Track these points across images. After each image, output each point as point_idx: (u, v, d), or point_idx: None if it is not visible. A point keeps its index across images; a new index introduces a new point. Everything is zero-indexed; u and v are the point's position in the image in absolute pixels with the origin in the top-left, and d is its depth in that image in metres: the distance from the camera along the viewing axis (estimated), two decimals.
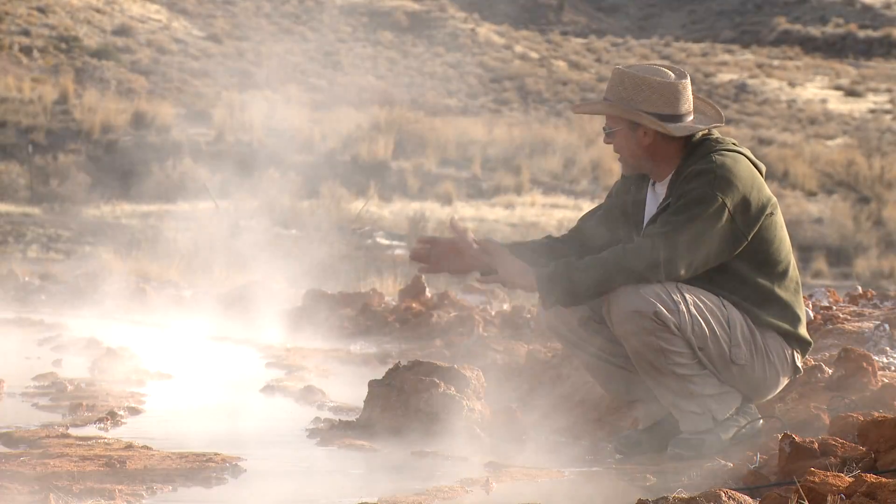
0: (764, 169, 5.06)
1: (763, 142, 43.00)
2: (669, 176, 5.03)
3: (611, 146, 5.11)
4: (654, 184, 5.12)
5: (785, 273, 5.02)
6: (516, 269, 5.00)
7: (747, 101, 53.19)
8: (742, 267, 4.96)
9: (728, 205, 4.85)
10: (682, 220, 4.83)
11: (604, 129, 5.10)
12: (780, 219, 5.02)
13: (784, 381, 5.11)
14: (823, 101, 53.52)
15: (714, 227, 4.84)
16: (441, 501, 4.24)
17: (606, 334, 5.14)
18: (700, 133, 5.02)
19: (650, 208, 5.10)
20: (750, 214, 4.90)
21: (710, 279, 4.95)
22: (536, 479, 4.69)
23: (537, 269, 4.95)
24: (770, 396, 5.14)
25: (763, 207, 4.92)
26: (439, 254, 5.21)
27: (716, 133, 5.06)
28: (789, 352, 5.06)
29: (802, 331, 5.07)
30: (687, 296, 4.89)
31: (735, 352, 4.95)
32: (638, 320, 4.84)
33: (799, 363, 5.11)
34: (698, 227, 4.82)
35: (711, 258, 4.89)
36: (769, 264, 4.99)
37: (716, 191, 4.85)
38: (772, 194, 5.00)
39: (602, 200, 5.41)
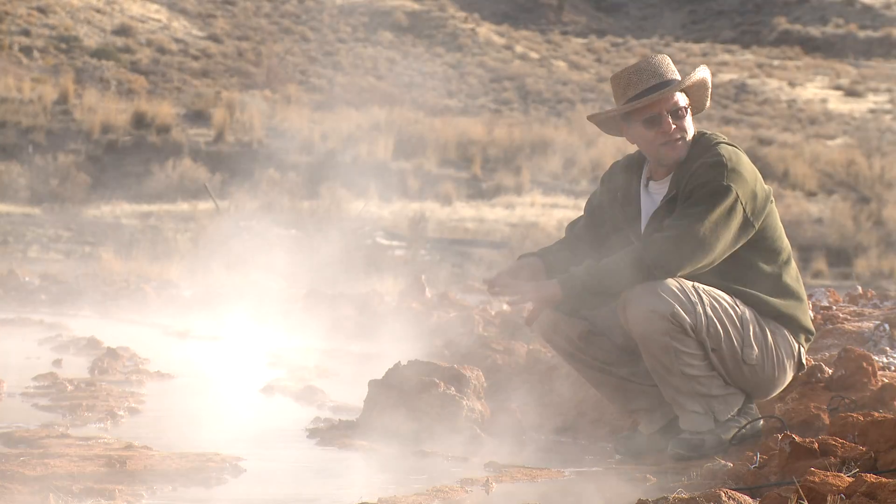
0: None
1: (763, 142, 42.99)
2: (670, 172, 5.04)
3: (652, 139, 5.05)
4: (646, 184, 5.12)
5: (788, 261, 5.08)
6: (539, 288, 4.95)
7: (747, 101, 53.19)
8: (750, 255, 4.99)
9: (740, 196, 4.89)
10: (701, 213, 4.84)
11: (676, 111, 4.99)
12: (775, 208, 5.09)
13: (790, 378, 5.14)
14: (823, 101, 53.52)
15: (730, 219, 4.87)
16: (441, 501, 4.24)
17: (607, 346, 5.14)
18: (695, 130, 5.08)
19: (647, 208, 5.09)
20: (757, 205, 4.95)
21: (718, 269, 4.96)
22: (536, 479, 4.69)
23: (558, 276, 4.92)
24: (775, 394, 5.16)
25: (767, 197, 5.00)
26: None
27: (706, 131, 5.11)
28: (796, 347, 5.08)
29: (806, 319, 5.10)
30: (703, 296, 4.89)
31: (747, 352, 4.96)
32: (654, 320, 4.83)
33: (803, 358, 5.14)
34: (716, 220, 4.85)
35: (726, 249, 4.92)
36: (774, 252, 5.03)
37: (730, 182, 4.88)
38: (768, 185, 5.06)
39: None
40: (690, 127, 5.04)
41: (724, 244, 4.90)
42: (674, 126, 5.00)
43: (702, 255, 4.86)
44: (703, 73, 5.07)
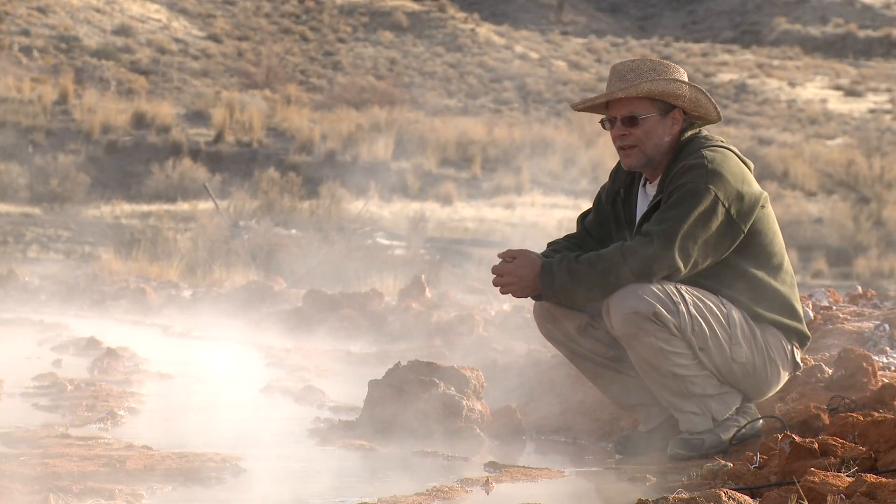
0: (752, 166, 5.08)
1: (763, 142, 43.00)
2: (660, 175, 5.04)
3: (612, 141, 5.07)
4: (644, 184, 5.12)
5: (780, 266, 5.04)
6: (524, 263, 4.97)
7: (747, 101, 53.21)
8: (738, 261, 4.97)
9: (721, 198, 4.86)
10: (678, 215, 4.83)
11: (626, 118, 4.99)
12: (771, 212, 5.05)
13: (784, 378, 5.12)
14: (823, 101, 53.54)
15: (710, 220, 4.85)
16: (441, 501, 4.24)
17: (605, 339, 5.13)
18: (689, 132, 5.04)
19: (641, 208, 5.10)
20: (744, 207, 4.91)
21: (707, 274, 4.95)
22: (536, 479, 4.69)
23: (544, 262, 4.94)
24: (771, 394, 5.15)
25: (756, 200, 4.94)
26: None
27: (704, 131, 5.08)
28: (789, 347, 5.06)
29: (800, 325, 5.08)
30: (686, 296, 4.89)
31: (736, 350, 4.95)
32: (637, 321, 4.83)
33: (798, 358, 5.12)
34: (694, 221, 4.83)
35: (710, 252, 4.89)
36: (764, 257, 5.00)
37: (708, 184, 4.85)
38: (761, 188, 5.02)
39: None
40: (654, 137, 4.98)
41: (704, 248, 4.86)
42: (623, 133, 4.99)
43: (678, 259, 4.82)
44: (644, 87, 4.97)
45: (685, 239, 4.82)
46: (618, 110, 5.01)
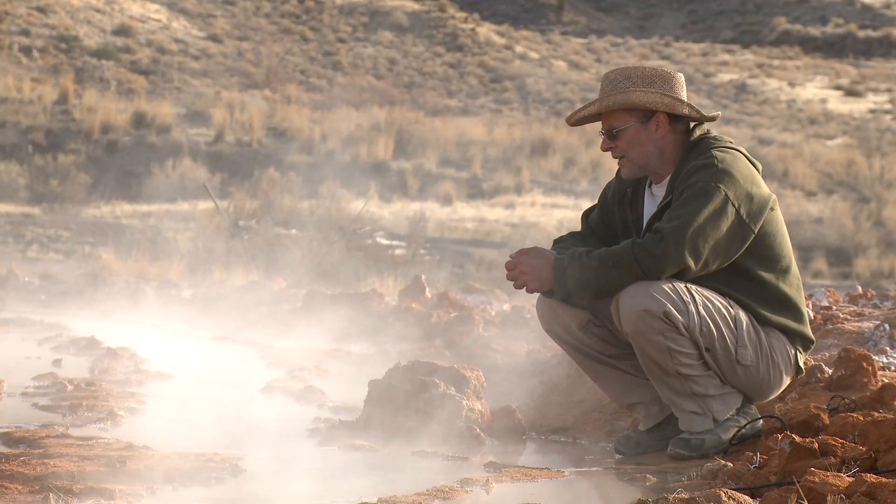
0: (760, 167, 5.07)
1: (763, 142, 42.99)
2: (668, 176, 5.03)
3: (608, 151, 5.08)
4: (650, 186, 5.12)
5: (788, 269, 5.03)
6: (535, 256, 5.00)
7: (747, 101, 53.21)
8: (746, 262, 4.97)
9: (731, 197, 4.86)
10: (688, 213, 4.83)
11: (606, 132, 5.02)
12: (780, 215, 5.05)
13: (787, 382, 5.12)
14: (823, 101, 53.53)
15: (720, 219, 4.84)
16: (441, 501, 4.24)
17: (607, 337, 5.14)
18: (698, 132, 5.03)
19: (648, 210, 5.10)
20: (753, 207, 4.90)
21: (715, 276, 4.95)
22: (536, 479, 4.69)
23: (555, 258, 4.96)
24: (772, 397, 5.15)
25: (765, 201, 4.94)
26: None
27: (713, 132, 5.07)
28: (793, 352, 5.06)
29: (805, 328, 5.08)
30: (696, 296, 4.89)
31: (741, 353, 4.95)
32: (647, 319, 4.83)
33: (801, 362, 5.12)
34: (705, 220, 4.82)
35: (721, 252, 4.88)
36: (772, 259, 5.00)
37: (718, 183, 4.86)
38: (769, 191, 5.02)
39: None
40: (637, 145, 4.98)
41: (715, 248, 4.85)
42: (609, 146, 5.03)
43: (688, 258, 4.82)
44: (609, 101, 4.97)
45: (695, 236, 4.82)
46: (602, 125, 5.05)
